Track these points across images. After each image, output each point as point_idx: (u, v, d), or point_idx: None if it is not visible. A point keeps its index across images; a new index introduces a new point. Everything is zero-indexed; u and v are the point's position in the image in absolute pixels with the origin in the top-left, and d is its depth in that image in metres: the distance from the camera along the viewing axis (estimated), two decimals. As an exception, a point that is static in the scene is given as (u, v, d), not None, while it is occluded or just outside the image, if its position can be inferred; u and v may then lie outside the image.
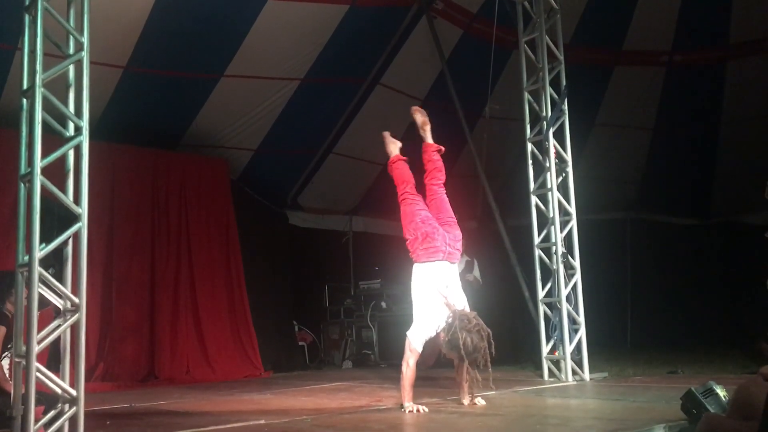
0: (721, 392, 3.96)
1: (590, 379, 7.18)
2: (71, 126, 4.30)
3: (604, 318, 9.51)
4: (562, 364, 7.18)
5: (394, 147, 6.10)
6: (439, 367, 8.19)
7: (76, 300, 4.10)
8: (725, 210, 11.94)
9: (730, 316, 11.02)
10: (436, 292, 5.27)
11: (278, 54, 8.91)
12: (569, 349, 7.17)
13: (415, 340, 5.22)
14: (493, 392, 5.53)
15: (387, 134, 6.23)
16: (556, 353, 7.28)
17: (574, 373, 7.15)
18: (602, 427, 4.26)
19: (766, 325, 7.25)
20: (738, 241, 11.07)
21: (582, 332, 7.30)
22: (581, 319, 7.33)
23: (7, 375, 4.76)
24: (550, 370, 7.29)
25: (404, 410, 5.07)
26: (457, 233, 5.58)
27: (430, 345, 8.43)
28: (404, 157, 5.97)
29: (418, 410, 5.03)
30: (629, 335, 11.71)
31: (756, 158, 8.33)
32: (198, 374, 8.70)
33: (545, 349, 7.33)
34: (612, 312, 11.13)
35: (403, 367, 5.20)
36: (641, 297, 11.80)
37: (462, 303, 5.33)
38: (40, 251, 3.96)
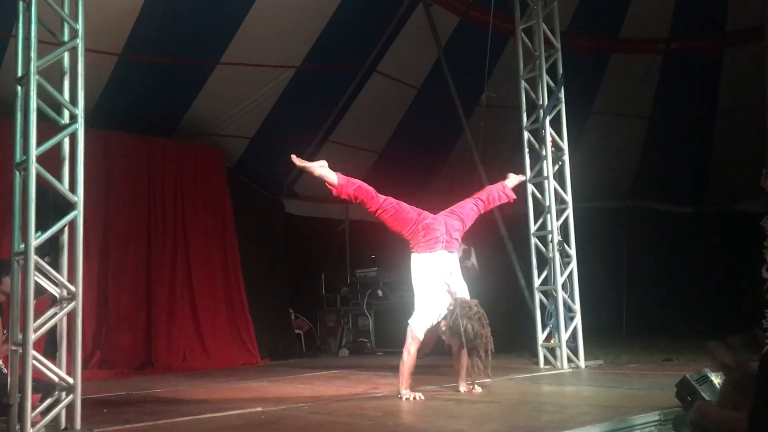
0: (715, 379, 3.97)
1: (586, 366, 7.21)
2: (66, 114, 4.28)
3: (600, 306, 9.52)
4: (558, 352, 7.22)
5: (325, 169, 5.64)
6: (436, 354, 8.22)
7: (73, 288, 4.10)
8: (721, 198, 11.96)
9: (726, 304, 11.05)
10: (438, 281, 5.25)
11: (274, 41, 8.87)
12: (565, 336, 7.20)
13: (416, 328, 5.22)
14: (489, 380, 5.55)
15: (299, 160, 5.73)
16: (552, 341, 7.31)
17: (569, 360, 7.18)
18: (597, 413, 4.28)
19: (762, 313, 7.27)
20: (734, 229, 11.09)
21: (577, 320, 7.32)
22: (577, 306, 7.36)
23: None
24: (545, 357, 7.32)
25: (401, 397, 5.09)
26: (456, 223, 5.57)
27: (428, 333, 8.44)
28: (344, 176, 5.62)
29: (414, 398, 5.05)
30: (625, 323, 11.76)
31: (752, 146, 8.31)
32: (194, 362, 8.71)
33: (541, 336, 7.36)
34: (608, 300, 11.16)
35: (404, 355, 5.20)
36: (637, 285, 11.84)
37: (463, 291, 5.33)
38: (36, 239, 3.96)
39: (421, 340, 5.25)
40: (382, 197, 5.56)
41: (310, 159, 10.58)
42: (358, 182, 5.60)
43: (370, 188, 5.58)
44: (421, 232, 5.40)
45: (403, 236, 5.51)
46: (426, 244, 5.37)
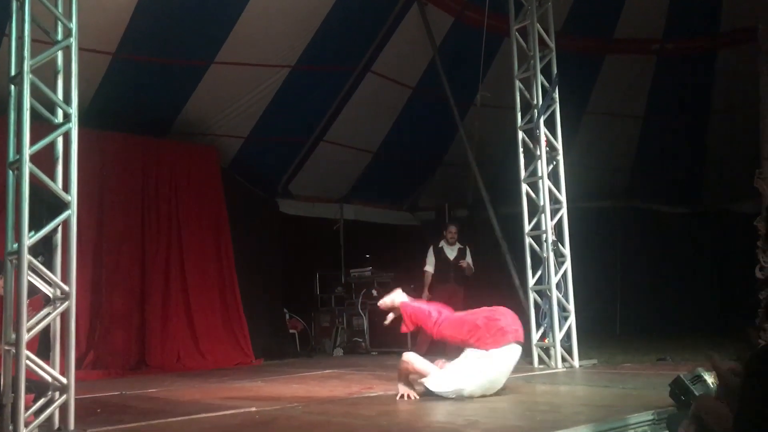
0: (709, 379, 3.99)
1: (579, 366, 7.22)
2: (60, 113, 4.27)
3: (594, 305, 9.55)
4: (552, 351, 7.23)
5: (396, 296, 5.43)
6: (432, 354, 8.22)
7: (66, 288, 4.08)
8: (715, 198, 12.00)
9: (719, 304, 11.09)
10: (490, 376, 5.01)
11: (269, 41, 8.86)
12: (559, 336, 7.21)
13: (431, 384, 5.01)
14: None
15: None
16: (546, 340, 7.32)
17: (563, 360, 7.19)
18: (591, 413, 4.29)
19: (755, 312, 7.29)
20: (728, 229, 11.13)
21: (572, 319, 7.34)
22: (571, 306, 7.37)
23: None
24: (539, 357, 7.33)
25: (396, 397, 5.09)
26: (497, 316, 5.16)
27: (423, 333, 8.35)
28: (409, 298, 5.45)
29: (408, 396, 5.05)
30: (618, 322, 11.78)
31: (746, 147, 8.34)
32: (189, 362, 8.70)
33: (535, 336, 7.37)
34: (602, 299, 11.18)
35: (403, 360, 5.16)
36: (631, 285, 11.86)
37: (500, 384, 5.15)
38: (29, 239, 3.94)
39: (420, 377, 5.12)
40: (438, 313, 5.24)
41: (307, 155, 10.71)
42: (419, 308, 5.32)
43: (429, 310, 5.28)
44: (482, 328, 5.00)
45: (468, 344, 5.07)
46: (493, 338, 4.96)
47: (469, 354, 5.05)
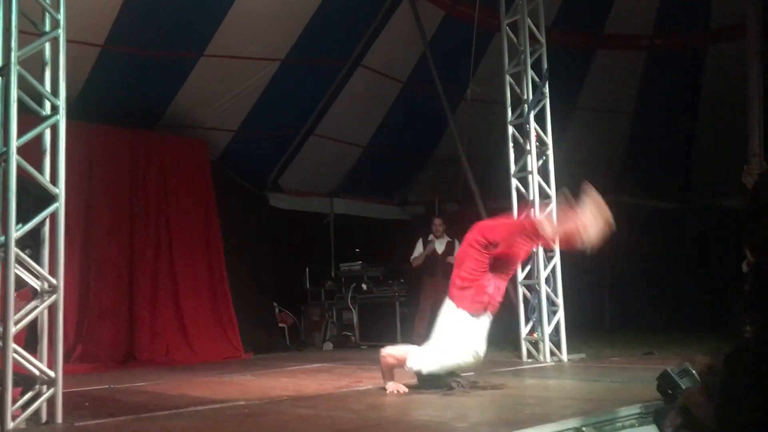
0: (696, 373, 4.00)
1: (568, 360, 7.25)
2: (48, 105, 4.25)
3: (583, 300, 9.56)
4: (541, 345, 7.25)
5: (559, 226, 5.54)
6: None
7: (54, 281, 4.07)
8: (704, 193, 12.05)
9: (707, 299, 11.14)
10: (467, 345, 5.03)
11: (259, 34, 8.83)
12: (548, 330, 7.24)
13: (413, 362, 5.02)
14: (472, 373, 5.56)
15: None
16: (535, 334, 7.35)
17: (552, 354, 7.22)
18: (579, 407, 4.30)
19: (741, 308, 7.34)
20: (716, 225, 11.17)
21: (560, 314, 7.36)
22: (560, 300, 7.40)
23: None
24: (528, 351, 7.36)
25: (385, 391, 5.10)
26: (504, 285, 5.30)
27: (418, 326, 8.34)
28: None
29: (398, 391, 5.06)
30: (607, 317, 11.84)
31: (735, 142, 8.39)
32: (178, 356, 8.68)
33: (524, 330, 7.40)
34: (590, 294, 11.21)
35: (388, 358, 5.14)
36: (619, 279, 11.91)
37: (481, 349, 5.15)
38: (16, 231, 3.92)
39: (401, 363, 5.13)
40: (490, 248, 5.24)
41: (297, 148, 10.67)
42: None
43: (517, 232, 5.44)
44: (472, 288, 5.07)
45: (453, 287, 5.18)
46: (472, 303, 5.06)
47: (442, 323, 5.10)
